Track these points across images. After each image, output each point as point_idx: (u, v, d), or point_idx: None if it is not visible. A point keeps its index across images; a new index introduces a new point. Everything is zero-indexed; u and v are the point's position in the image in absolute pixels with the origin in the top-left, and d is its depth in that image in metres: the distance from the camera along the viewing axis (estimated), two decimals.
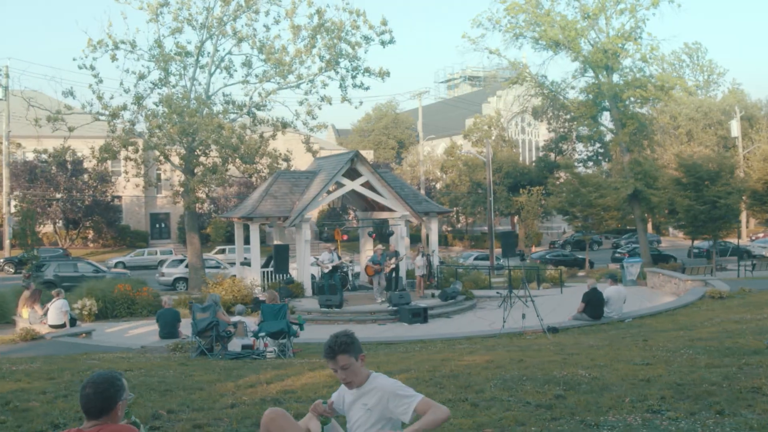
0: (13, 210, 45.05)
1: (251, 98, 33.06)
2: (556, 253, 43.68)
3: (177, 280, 33.92)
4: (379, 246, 23.65)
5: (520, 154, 66.75)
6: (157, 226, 60.01)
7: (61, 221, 50.48)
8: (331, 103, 33.28)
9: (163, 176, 53.07)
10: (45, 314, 16.99)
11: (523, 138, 71.74)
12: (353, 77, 33.39)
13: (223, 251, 46.99)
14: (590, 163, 56.16)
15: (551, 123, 54.94)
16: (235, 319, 15.43)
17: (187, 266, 34.00)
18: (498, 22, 45.39)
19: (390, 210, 25.28)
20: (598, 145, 55.12)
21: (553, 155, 57.38)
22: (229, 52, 33.75)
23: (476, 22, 45.74)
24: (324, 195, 24.15)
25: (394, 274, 23.96)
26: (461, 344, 13.76)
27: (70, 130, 31.49)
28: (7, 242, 43.10)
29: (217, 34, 32.70)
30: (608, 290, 16.50)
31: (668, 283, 24.26)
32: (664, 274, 24.99)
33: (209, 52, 33.22)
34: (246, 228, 26.73)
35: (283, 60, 31.82)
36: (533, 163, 59.02)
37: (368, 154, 67.10)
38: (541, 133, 72.25)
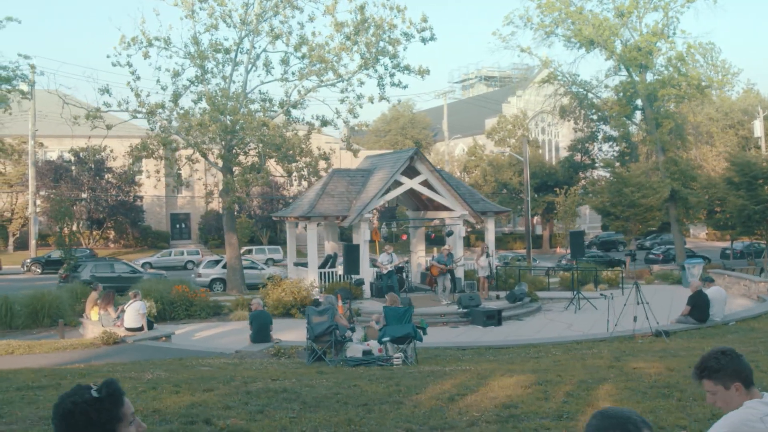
0: (38, 210, 44.37)
1: (290, 96, 32.38)
2: (591, 254, 42.93)
3: (214, 281, 33.16)
4: (446, 246, 22.98)
5: (543, 154, 66.14)
6: (178, 226, 59.29)
7: (83, 221, 49.78)
8: (373, 102, 32.63)
9: (185, 176, 52.36)
10: (118, 317, 16.29)
11: (543, 138, 71.13)
12: (391, 75, 32.71)
13: (249, 251, 46.27)
14: (617, 164, 55.34)
15: (578, 123, 54.28)
16: None
17: (224, 267, 33.28)
18: (530, 20, 44.84)
19: (447, 209, 24.59)
20: (624, 144, 54.37)
21: (579, 155, 56.71)
22: (264, 50, 33.05)
23: (508, 20, 45.14)
24: (383, 193, 23.44)
25: (450, 275, 23.30)
26: (577, 348, 13.07)
27: (108, 128, 30.76)
28: (33, 242, 42.34)
29: (253, 31, 32.01)
30: (708, 292, 15.82)
31: (736, 284, 23.57)
32: (731, 276, 24.34)
33: (247, 49, 32.52)
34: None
35: (326, 57, 31.13)
36: (559, 164, 58.35)
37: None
38: (561, 134, 71.66)
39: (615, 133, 52.35)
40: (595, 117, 53.10)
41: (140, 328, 15.59)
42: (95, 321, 16.93)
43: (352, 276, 20.39)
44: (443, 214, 25.16)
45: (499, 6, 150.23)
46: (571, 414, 6.01)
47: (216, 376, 8.92)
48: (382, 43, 31.74)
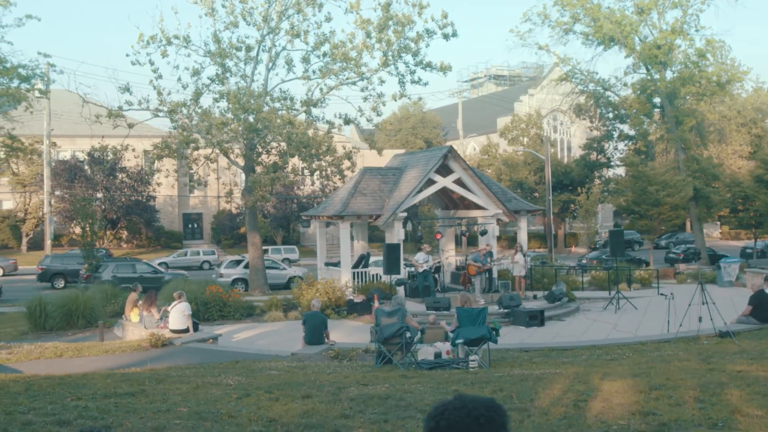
0: (52, 209, 43.98)
1: (312, 94, 31.99)
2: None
3: (236, 281, 32.74)
4: (485, 245, 22.60)
5: (555, 153, 65.67)
6: (190, 226, 58.91)
7: (98, 221, 49.40)
8: (396, 100, 32.24)
9: (203, 175, 52.17)
10: (161, 318, 15.91)
11: (555, 137, 70.70)
12: (412, 73, 32.29)
13: (266, 251, 45.79)
14: (639, 163, 54.93)
15: (593, 121, 53.88)
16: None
17: (245, 267, 32.95)
18: (548, 17, 44.49)
19: (479, 208, 24.20)
20: (640, 143, 53.93)
21: (595, 154, 56.29)
22: (284, 48, 32.68)
23: (526, 17, 44.86)
24: (417, 192, 23.03)
25: (487, 275, 22.97)
26: (644, 349, 12.70)
27: (130, 126, 30.50)
28: (48, 242, 41.92)
29: (274, 28, 31.62)
30: None
31: None
32: None
33: (268, 47, 32.15)
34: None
35: (349, 55, 30.73)
36: (574, 162, 57.91)
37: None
38: (573, 133, 71.27)
39: (631, 132, 51.97)
40: (611, 115, 52.73)
41: (185, 330, 15.20)
42: (136, 322, 16.55)
43: (393, 276, 19.95)
44: (475, 213, 24.76)
45: (508, 4, 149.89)
46: (725, 421, 5.63)
47: (300, 381, 8.54)
48: (403, 40, 31.35)
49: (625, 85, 45.17)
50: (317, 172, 32.62)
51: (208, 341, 14.94)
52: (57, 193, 45.09)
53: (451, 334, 11.20)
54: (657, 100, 44.09)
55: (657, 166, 43.77)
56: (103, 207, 47.48)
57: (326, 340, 13.76)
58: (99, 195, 46.40)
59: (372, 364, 11.51)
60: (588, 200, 39.08)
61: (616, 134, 54.46)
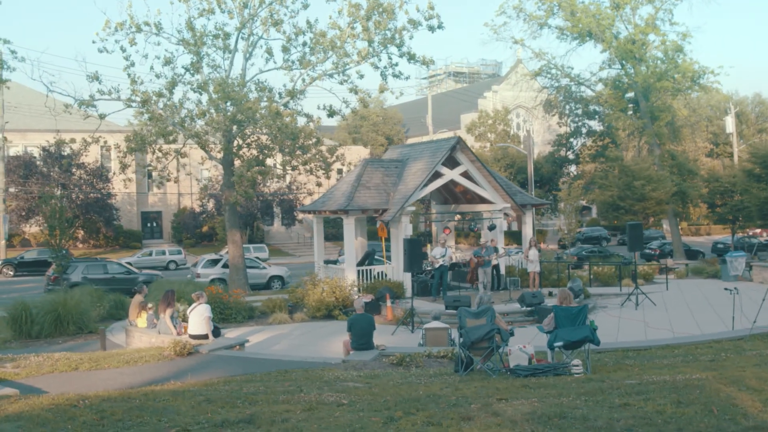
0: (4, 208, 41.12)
1: (295, 85, 30.48)
2: (590, 250, 42.23)
3: (214, 281, 30.94)
4: (485, 240, 21.69)
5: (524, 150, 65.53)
6: (149, 225, 56.30)
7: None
8: (383, 92, 30.98)
9: (173, 171, 49.77)
10: (174, 323, 14.27)
11: (518, 133, 70.64)
12: (394, 65, 31.08)
13: None
14: (602, 159, 55.15)
15: (562, 117, 53.74)
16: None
17: (224, 266, 31.26)
18: (523, 10, 44.03)
19: (485, 202, 23.22)
20: (608, 139, 54.03)
21: (564, 150, 56.18)
22: (261, 37, 31.09)
23: (501, 10, 44.30)
24: (424, 185, 21.84)
25: (494, 272, 22.03)
26: (728, 348, 11.86)
27: (101, 117, 28.53)
28: (2, 242, 39.11)
29: (252, 16, 30.02)
30: None
31: None
32: None
33: (247, 35, 30.51)
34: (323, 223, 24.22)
35: (336, 44, 29.36)
36: (543, 158, 57.71)
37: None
38: (535, 129, 71.29)
39: (600, 128, 52.04)
40: (579, 111, 52.69)
41: (205, 336, 13.64)
42: (143, 327, 14.89)
43: (415, 273, 18.74)
44: (481, 207, 23.77)
45: (465, 4, 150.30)
46: None
47: (413, 397, 7.27)
48: (389, 32, 30.14)
49: (600, 80, 45.05)
50: (300, 167, 31.02)
51: (235, 348, 13.44)
52: (11, 190, 42.22)
53: (545, 336, 10.07)
54: (630, 95, 44.07)
55: (630, 161, 43.72)
56: (64, 204, 44.72)
57: (374, 345, 12.46)
58: (57, 192, 43.59)
59: (447, 370, 10.31)
60: (570, 196, 38.61)
61: (584, 131, 54.47)
